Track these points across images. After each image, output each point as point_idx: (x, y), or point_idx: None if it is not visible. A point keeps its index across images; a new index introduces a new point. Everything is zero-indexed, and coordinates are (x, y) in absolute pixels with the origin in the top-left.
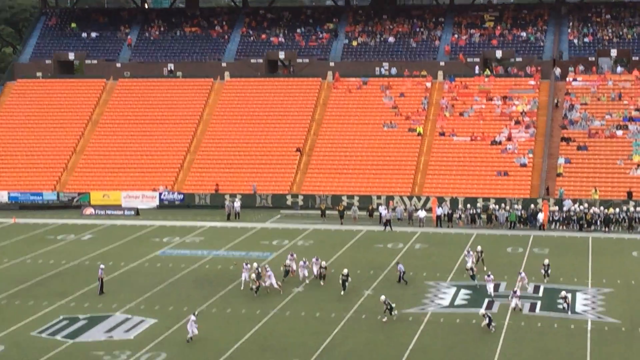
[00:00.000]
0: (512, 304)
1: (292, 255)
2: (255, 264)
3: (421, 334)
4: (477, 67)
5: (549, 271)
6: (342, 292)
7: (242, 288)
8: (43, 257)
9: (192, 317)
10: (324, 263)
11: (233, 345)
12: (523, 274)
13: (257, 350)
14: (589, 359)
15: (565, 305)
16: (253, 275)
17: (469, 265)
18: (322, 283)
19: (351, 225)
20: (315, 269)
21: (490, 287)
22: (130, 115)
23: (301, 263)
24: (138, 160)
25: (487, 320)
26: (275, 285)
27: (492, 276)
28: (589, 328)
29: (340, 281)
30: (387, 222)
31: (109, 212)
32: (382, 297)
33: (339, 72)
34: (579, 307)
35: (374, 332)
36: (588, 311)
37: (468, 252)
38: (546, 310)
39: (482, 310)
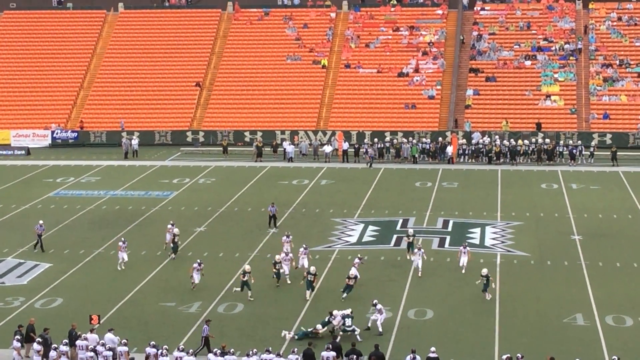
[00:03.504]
0: (373, 317)
1: (287, 236)
2: (176, 230)
3: (329, 272)
4: None
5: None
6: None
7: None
8: None
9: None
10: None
11: (133, 288)
12: (467, 248)
13: (159, 292)
14: (498, 293)
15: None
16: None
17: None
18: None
19: (254, 162)
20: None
21: (377, 320)
22: (17, 49)
23: (302, 250)
24: (28, 97)
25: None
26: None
27: (383, 313)
28: (498, 262)
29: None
30: (371, 159)
31: None
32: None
33: (238, 2)
34: (488, 241)
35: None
36: (497, 245)
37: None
38: (455, 245)
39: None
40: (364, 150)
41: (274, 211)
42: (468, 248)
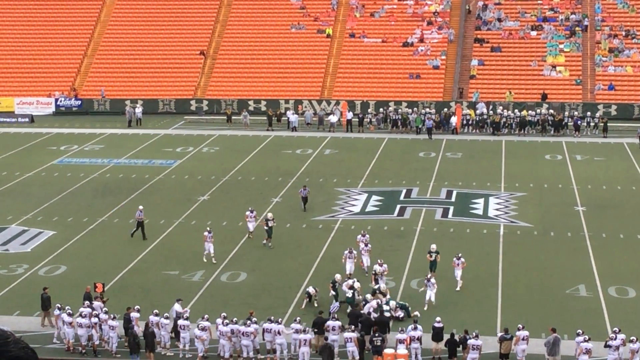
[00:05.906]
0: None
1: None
2: (270, 214)
3: (332, 242)
4: None
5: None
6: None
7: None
8: None
9: None
10: None
11: (137, 256)
12: (462, 259)
13: (162, 261)
14: (501, 264)
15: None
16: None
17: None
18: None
19: (255, 131)
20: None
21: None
22: (22, 16)
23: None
24: (32, 64)
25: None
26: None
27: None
28: (501, 233)
29: None
30: (429, 131)
31: (0, 119)
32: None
33: None
34: (491, 212)
35: (282, 240)
36: (501, 216)
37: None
38: (458, 216)
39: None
40: (368, 120)
41: (306, 193)
42: (462, 259)
